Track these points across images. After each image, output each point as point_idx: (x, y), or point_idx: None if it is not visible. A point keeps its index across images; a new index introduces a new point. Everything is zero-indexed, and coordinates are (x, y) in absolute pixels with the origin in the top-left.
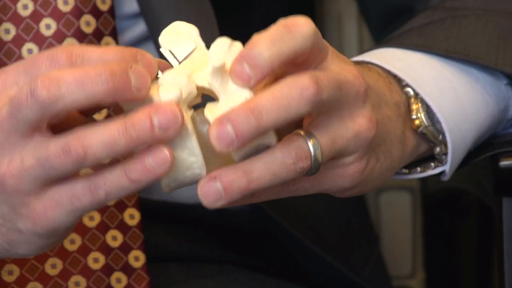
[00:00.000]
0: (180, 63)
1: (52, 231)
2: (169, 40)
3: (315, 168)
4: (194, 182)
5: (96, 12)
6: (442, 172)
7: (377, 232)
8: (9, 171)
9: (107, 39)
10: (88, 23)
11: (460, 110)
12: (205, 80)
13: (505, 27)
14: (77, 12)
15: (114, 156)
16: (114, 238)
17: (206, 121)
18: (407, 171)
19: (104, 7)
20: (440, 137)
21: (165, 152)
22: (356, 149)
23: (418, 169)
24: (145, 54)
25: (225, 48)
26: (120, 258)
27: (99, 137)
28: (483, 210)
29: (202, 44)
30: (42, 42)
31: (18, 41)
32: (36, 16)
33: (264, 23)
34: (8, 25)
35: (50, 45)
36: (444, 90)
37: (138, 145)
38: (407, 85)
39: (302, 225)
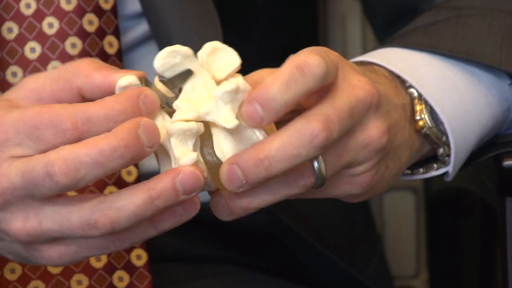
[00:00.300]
0: (180, 91)
1: (66, 264)
2: (165, 67)
3: (319, 183)
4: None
5: (98, 11)
6: (445, 173)
7: (380, 233)
8: (25, 229)
9: (110, 38)
10: (90, 22)
11: (463, 110)
12: (212, 115)
13: (510, 27)
14: (80, 11)
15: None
16: None
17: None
18: (409, 171)
19: (106, 6)
20: (444, 138)
21: (196, 203)
22: (366, 160)
23: (421, 170)
24: (147, 95)
25: (235, 109)
26: (122, 256)
27: (126, 212)
28: (487, 210)
29: (198, 67)
30: (45, 41)
31: (21, 40)
32: (38, 15)
33: (267, 23)
34: (11, 24)
35: (53, 44)
36: (447, 91)
37: (164, 210)
38: (411, 86)
39: (306, 224)
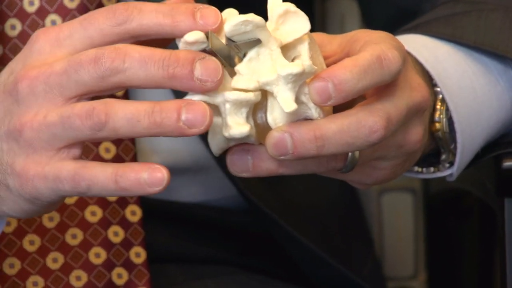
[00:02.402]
0: (244, 56)
1: (35, 199)
2: (235, 32)
3: (348, 169)
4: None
5: None
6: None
7: (375, 233)
8: (31, 122)
9: None
10: None
11: (475, 111)
12: (271, 86)
13: None
14: (83, 9)
15: (131, 137)
16: (116, 234)
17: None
18: (419, 169)
19: (109, 4)
20: (452, 145)
21: (163, 174)
22: (394, 158)
23: (432, 169)
24: (204, 7)
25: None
26: (121, 254)
27: (124, 111)
28: (485, 211)
29: (268, 36)
30: None
31: (24, 37)
32: (42, 12)
33: None
34: (14, 21)
35: None
36: (464, 89)
37: (158, 132)
38: (437, 85)
39: (302, 225)
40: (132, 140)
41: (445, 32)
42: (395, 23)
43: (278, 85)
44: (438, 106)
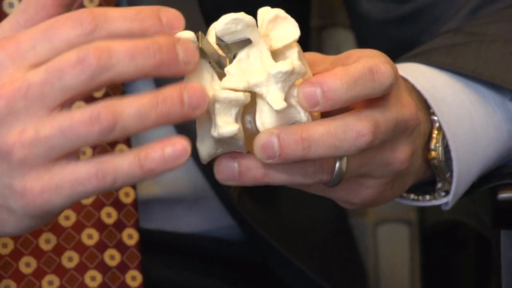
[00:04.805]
0: (234, 57)
1: (46, 213)
2: (226, 32)
3: (334, 183)
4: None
5: None
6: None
7: (367, 268)
8: (20, 141)
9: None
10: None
11: (472, 141)
12: (261, 87)
13: None
14: None
15: (141, 131)
16: (112, 257)
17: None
18: (416, 197)
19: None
20: (448, 174)
21: (185, 143)
22: (381, 177)
23: (427, 197)
24: (168, 11)
25: (283, 91)
26: (117, 277)
27: (130, 108)
28: (481, 243)
29: (258, 37)
30: None
31: None
32: None
33: None
34: None
35: None
36: (461, 118)
37: (166, 122)
38: (434, 113)
39: (299, 253)
40: (128, 142)
41: (444, 62)
42: (392, 56)
43: (267, 86)
44: (434, 135)
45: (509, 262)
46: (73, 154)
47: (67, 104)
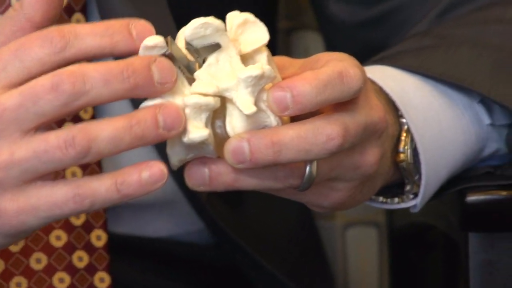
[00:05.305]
0: (203, 61)
1: (20, 233)
2: (195, 36)
3: (305, 187)
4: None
5: None
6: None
7: (335, 271)
8: None
9: (77, 15)
10: None
11: (440, 144)
12: (231, 92)
13: (497, 60)
14: None
15: (116, 154)
16: (80, 259)
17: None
18: (384, 199)
19: None
20: (416, 177)
21: (162, 166)
22: (350, 180)
23: (396, 199)
24: (138, 23)
25: (255, 92)
26: (85, 279)
27: (104, 132)
28: (450, 245)
29: (227, 42)
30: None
31: None
32: None
33: None
34: None
35: None
36: (429, 121)
37: (140, 144)
38: (402, 116)
39: (270, 256)
40: (98, 164)
41: (412, 64)
42: (360, 59)
43: (237, 90)
44: (403, 137)
45: (477, 265)
46: (48, 175)
47: (43, 125)
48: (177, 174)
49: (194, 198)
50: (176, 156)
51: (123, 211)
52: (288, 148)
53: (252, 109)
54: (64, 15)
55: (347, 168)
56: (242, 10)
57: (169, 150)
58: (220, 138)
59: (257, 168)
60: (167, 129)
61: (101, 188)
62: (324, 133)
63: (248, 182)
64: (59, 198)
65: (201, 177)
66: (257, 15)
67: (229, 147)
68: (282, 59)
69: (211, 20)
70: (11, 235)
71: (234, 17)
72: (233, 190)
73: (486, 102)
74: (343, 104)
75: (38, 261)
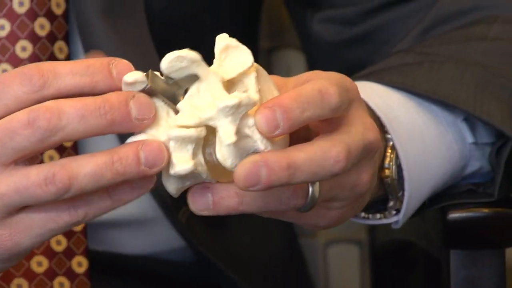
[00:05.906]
0: (186, 91)
1: (15, 255)
2: (172, 70)
3: (307, 208)
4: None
5: (50, 16)
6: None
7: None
8: None
9: (60, 43)
10: (42, 26)
11: (423, 161)
12: (214, 120)
13: (481, 78)
14: (32, 15)
15: (98, 189)
16: (61, 285)
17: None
18: (366, 215)
19: (58, 11)
20: (400, 193)
21: (154, 177)
22: (346, 199)
23: (378, 215)
24: (118, 62)
25: (234, 125)
26: None
27: (85, 169)
28: (431, 263)
29: (206, 71)
30: None
31: None
32: None
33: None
34: None
35: (3, 46)
36: (413, 138)
37: (122, 180)
38: (388, 132)
39: (249, 276)
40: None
41: (397, 81)
42: None
43: (219, 120)
44: (388, 153)
45: (459, 282)
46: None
47: (23, 159)
48: (157, 193)
49: (173, 217)
50: (172, 186)
51: (103, 229)
52: (301, 170)
53: (231, 139)
54: (46, 43)
55: (344, 188)
56: (223, 31)
57: (165, 181)
58: (213, 165)
59: (262, 191)
60: (149, 166)
61: (94, 197)
62: (331, 155)
63: (253, 205)
64: (52, 213)
65: (204, 202)
66: (238, 34)
67: (243, 171)
68: (274, 79)
69: (185, 53)
70: (6, 259)
71: (218, 42)
72: (236, 214)
73: (470, 120)
74: (338, 125)
75: (19, 286)
